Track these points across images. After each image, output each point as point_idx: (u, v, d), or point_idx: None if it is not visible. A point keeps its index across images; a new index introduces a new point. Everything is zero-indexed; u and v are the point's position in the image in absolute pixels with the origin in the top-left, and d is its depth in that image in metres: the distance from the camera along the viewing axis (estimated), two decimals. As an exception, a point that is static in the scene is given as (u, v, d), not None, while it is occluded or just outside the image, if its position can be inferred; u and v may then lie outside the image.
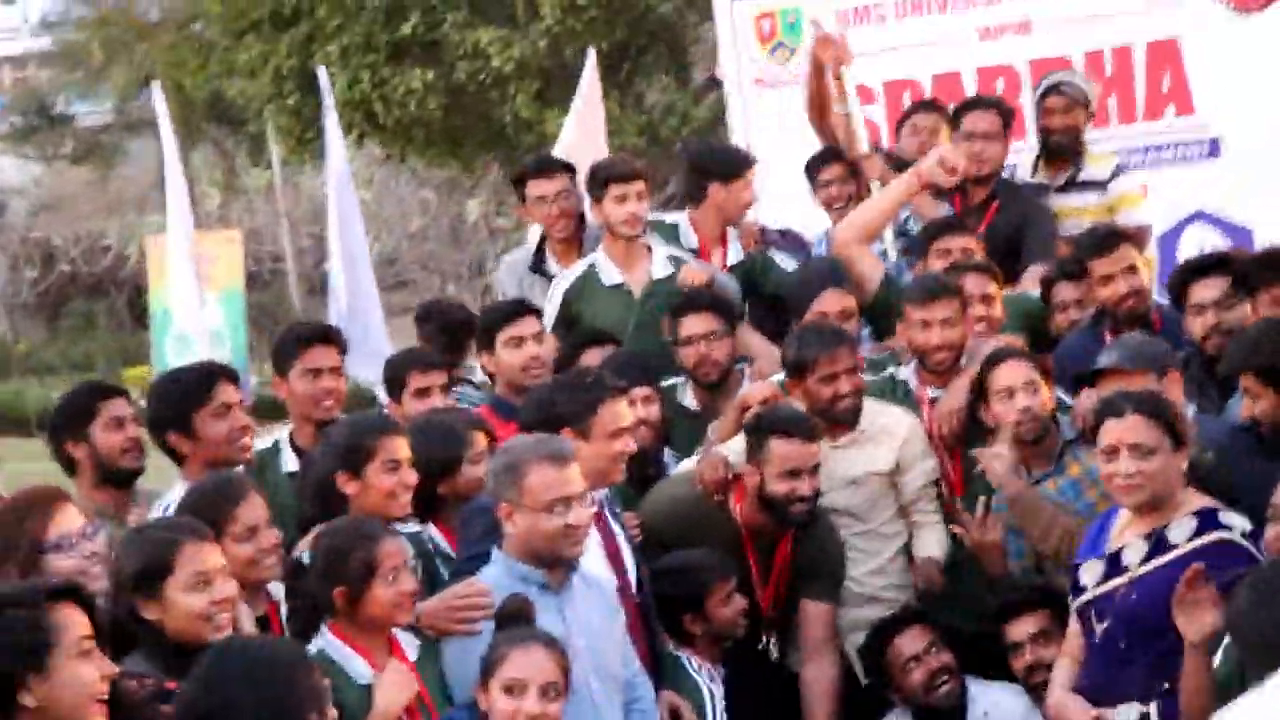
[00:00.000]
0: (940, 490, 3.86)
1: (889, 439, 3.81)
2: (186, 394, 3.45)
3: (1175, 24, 5.28)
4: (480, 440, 3.45)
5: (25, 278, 19.01)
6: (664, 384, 4.16)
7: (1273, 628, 1.97)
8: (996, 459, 3.49)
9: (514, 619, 2.82)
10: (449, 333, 4.82)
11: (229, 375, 3.62)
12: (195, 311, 6.79)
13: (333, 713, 2.24)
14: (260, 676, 2.09)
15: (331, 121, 7.10)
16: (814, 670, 3.62)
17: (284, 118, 12.74)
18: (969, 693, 3.59)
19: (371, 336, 6.23)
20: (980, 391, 3.66)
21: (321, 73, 7.51)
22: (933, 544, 3.79)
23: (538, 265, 4.95)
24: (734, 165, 4.68)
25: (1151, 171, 5.30)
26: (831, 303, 4.14)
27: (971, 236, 4.43)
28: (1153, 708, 2.90)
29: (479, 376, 4.72)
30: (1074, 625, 3.10)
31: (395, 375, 4.09)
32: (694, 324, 4.11)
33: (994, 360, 3.65)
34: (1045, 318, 4.34)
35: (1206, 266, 3.89)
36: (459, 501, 3.36)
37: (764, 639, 3.67)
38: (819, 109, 5.00)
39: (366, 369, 5.36)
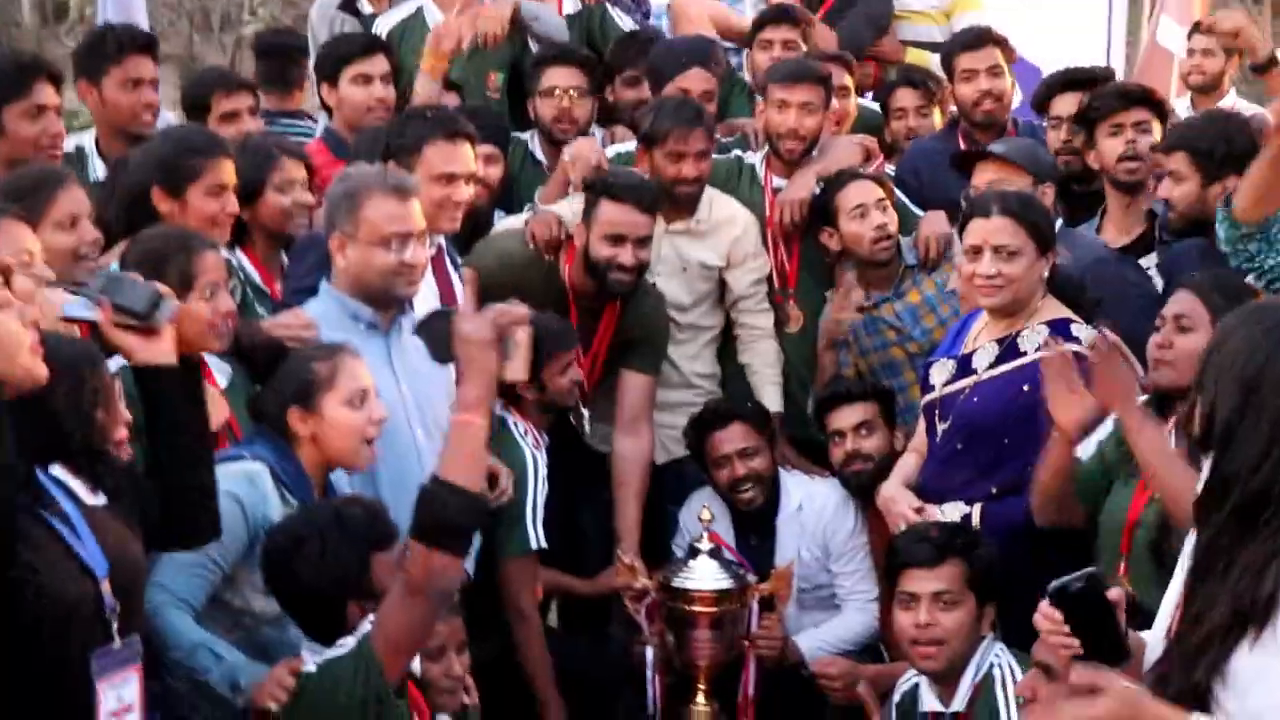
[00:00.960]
0: (770, 287, 3.82)
1: (725, 232, 3.73)
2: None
3: None
4: (291, 168, 3.23)
5: None
6: (514, 136, 3.99)
7: None
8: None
9: None
10: (282, 63, 4.48)
11: (52, 75, 3.30)
12: None
13: (125, 414, 2.10)
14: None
15: None
16: (629, 443, 3.55)
17: None
18: (783, 485, 3.58)
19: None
20: (825, 214, 3.59)
21: None
22: (772, 397, 3.74)
23: (348, 3, 4.62)
24: None
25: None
26: (696, 81, 3.97)
27: (798, 28, 4.31)
28: (975, 509, 2.94)
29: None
30: (921, 424, 3.11)
31: (198, 97, 3.79)
32: (559, 76, 3.90)
33: (843, 179, 3.58)
34: (880, 126, 4.29)
35: (1072, 82, 3.87)
36: (264, 231, 3.22)
37: (575, 413, 3.58)
38: None
39: None
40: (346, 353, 2.61)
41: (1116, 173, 3.50)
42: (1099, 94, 3.65)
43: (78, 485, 1.99)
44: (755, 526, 3.55)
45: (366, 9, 4.59)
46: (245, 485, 2.48)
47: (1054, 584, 1.61)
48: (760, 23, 4.38)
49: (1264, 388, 1.49)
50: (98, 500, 2.01)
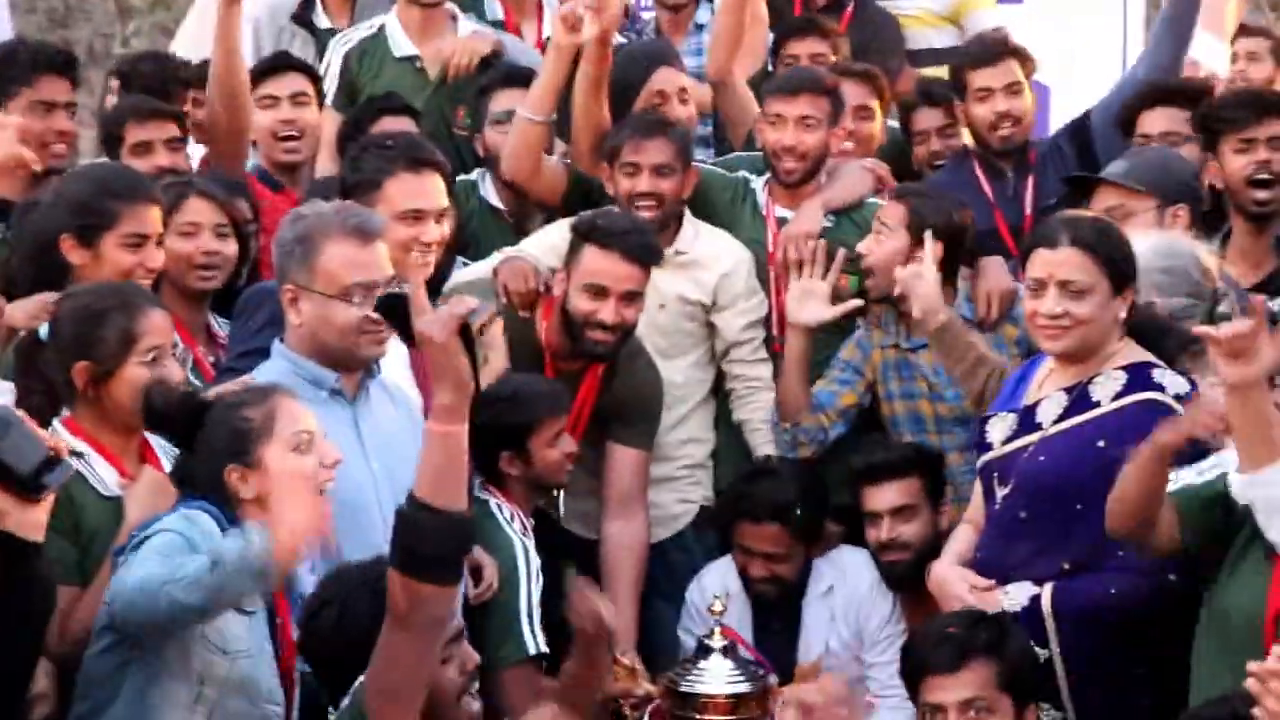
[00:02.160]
0: (769, 333, 3.53)
1: (711, 268, 3.45)
2: None
3: None
4: (199, 210, 3.07)
5: None
6: (460, 179, 3.68)
7: None
8: (918, 279, 3.02)
9: None
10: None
11: None
12: None
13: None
14: None
15: None
16: (621, 527, 3.25)
17: None
18: (813, 563, 3.29)
19: None
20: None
21: None
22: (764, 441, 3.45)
23: (302, 16, 4.46)
24: None
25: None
26: (666, 80, 3.67)
27: (828, 40, 4.02)
28: (1046, 589, 2.59)
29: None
30: (978, 487, 2.76)
31: (114, 127, 3.58)
32: (511, 100, 3.58)
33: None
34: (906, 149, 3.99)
35: (1164, 96, 3.50)
36: (173, 286, 3.04)
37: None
38: None
39: None
40: (280, 393, 2.38)
41: (1244, 198, 3.12)
42: (1225, 100, 3.30)
43: None
44: (778, 611, 3.25)
45: (323, 23, 4.42)
46: (183, 523, 2.24)
47: None
48: (783, 36, 4.06)
49: None
50: None
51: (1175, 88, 3.62)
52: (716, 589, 3.18)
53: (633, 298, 3.09)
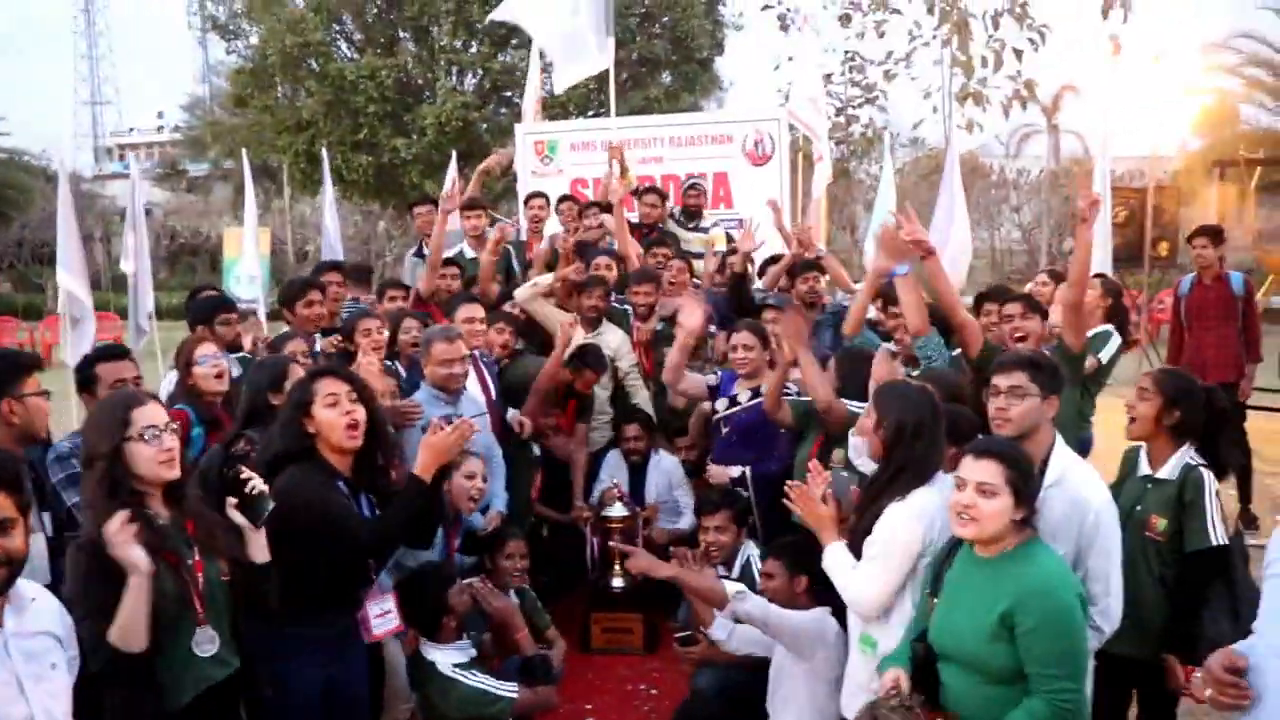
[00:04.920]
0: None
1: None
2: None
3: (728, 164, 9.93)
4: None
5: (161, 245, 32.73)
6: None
7: None
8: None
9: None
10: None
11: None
12: (253, 261, 12.51)
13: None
14: None
15: (326, 176, 12.73)
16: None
17: (297, 173, 24.88)
18: (651, 454, 6.67)
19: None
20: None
21: (323, 154, 13.81)
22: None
23: (419, 252, 8.20)
24: None
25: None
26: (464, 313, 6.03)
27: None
28: (748, 469, 5.61)
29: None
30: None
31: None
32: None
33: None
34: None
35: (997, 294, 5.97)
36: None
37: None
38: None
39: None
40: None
41: None
42: None
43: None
44: (636, 472, 6.56)
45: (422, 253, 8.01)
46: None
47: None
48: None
49: None
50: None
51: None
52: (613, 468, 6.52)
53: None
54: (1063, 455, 3.58)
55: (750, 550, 5.17)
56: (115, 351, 4.19)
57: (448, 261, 7.17)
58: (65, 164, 11.42)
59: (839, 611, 3.89)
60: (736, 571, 5.06)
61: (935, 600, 3.20)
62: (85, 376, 4.10)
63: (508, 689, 4.28)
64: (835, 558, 3.65)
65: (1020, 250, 31.21)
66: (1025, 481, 3.06)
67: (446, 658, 4.32)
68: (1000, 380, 3.67)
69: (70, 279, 8.95)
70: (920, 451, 3.52)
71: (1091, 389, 5.49)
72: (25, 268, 33.67)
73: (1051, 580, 2.97)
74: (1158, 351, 12.45)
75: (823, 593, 3.99)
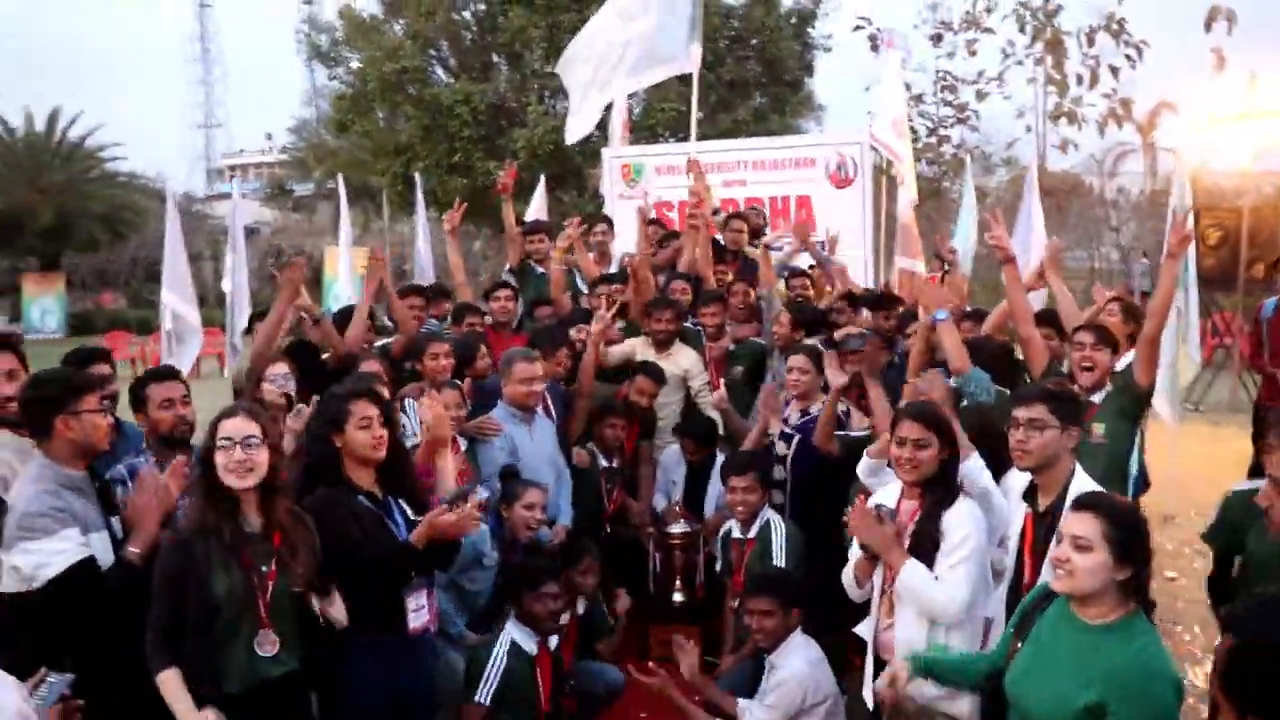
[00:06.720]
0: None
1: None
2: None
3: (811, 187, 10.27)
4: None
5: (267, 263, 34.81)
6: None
7: None
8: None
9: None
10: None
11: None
12: (348, 282, 13.24)
13: None
14: None
15: (419, 199, 13.69)
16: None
17: (394, 196, 25.31)
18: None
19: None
20: None
21: (416, 178, 14.82)
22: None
23: (511, 271, 8.56)
24: None
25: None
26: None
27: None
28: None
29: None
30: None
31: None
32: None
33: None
34: None
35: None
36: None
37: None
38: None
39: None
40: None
41: None
42: None
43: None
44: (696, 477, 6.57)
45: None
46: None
47: None
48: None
49: None
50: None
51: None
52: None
53: None
54: (1082, 485, 3.61)
55: (769, 513, 5.56)
56: (164, 373, 4.46)
57: (500, 285, 7.74)
58: (173, 189, 12.06)
59: (832, 627, 4.29)
60: (755, 530, 5.48)
61: (1019, 644, 3.10)
62: (137, 396, 4.34)
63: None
64: (915, 574, 3.68)
65: (1119, 271, 30.44)
66: (1129, 538, 2.86)
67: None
68: (1020, 413, 3.72)
69: (174, 297, 9.49)
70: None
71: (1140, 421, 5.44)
72: (139, 285, 35.61)
73: (1151, 666, 2.74)
74: (1253, 377, 12.10)
75: (808, 622, 4.49)
